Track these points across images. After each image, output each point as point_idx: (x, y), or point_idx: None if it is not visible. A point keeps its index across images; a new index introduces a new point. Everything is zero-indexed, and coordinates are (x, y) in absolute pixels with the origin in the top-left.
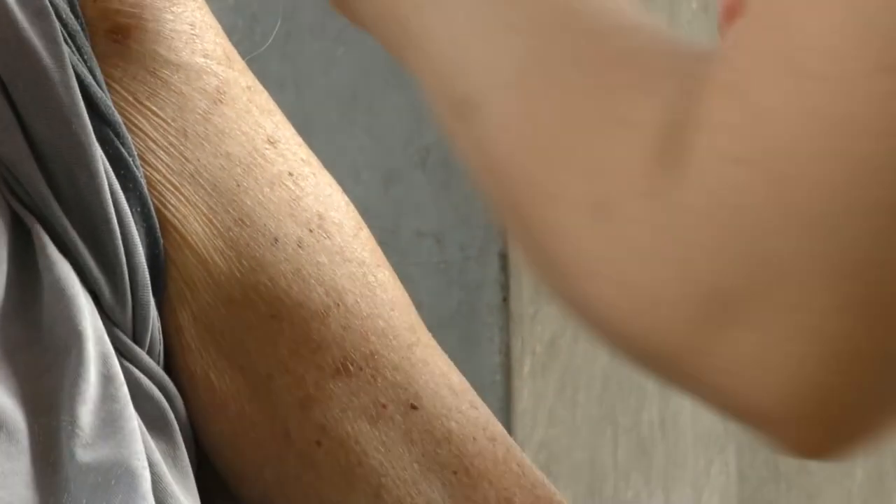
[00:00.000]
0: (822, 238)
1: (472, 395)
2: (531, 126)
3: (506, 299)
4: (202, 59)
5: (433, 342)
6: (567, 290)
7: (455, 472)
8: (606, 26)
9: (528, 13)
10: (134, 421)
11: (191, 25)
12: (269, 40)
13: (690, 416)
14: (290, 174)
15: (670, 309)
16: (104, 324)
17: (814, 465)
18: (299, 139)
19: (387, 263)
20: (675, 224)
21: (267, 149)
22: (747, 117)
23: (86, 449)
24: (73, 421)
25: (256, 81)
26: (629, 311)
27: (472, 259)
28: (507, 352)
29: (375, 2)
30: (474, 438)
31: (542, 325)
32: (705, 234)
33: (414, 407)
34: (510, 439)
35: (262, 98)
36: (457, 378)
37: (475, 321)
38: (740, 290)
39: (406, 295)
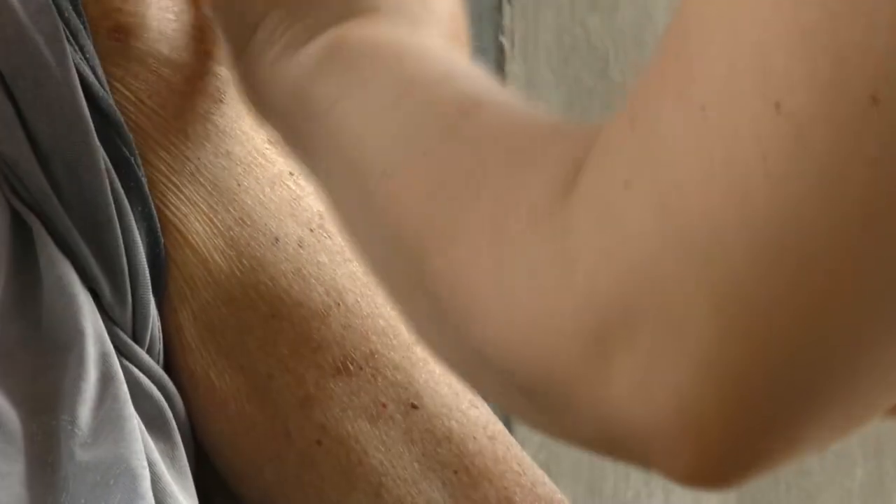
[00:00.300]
0: (703, 265)
1: (472, 393)
2: (441, 184)
3: None
4: (204, 59)
5: None
6: (459, 337)
7: (455, 472)
8: (512, 108)
9: (437, 99)
10: (133, 420)
11: (193, 27)
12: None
13: None
14: (291, 173)
15: (561, 335)
16: (104, 322)
17: (814, 465)
18: None
19: None
20: (567, 249)
21: (268, 148)
22: (640, 143)
23: (85, 448)
24: (73, 420)
25: None
26: (522, 341)
27: None
28: None
29: (286, 98)
30: (474, 437)
31: None
32: (592, 258)
33: (414, 406)
34: (510, 438)
35: None
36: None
37: None
38: (627, 315)
39: None
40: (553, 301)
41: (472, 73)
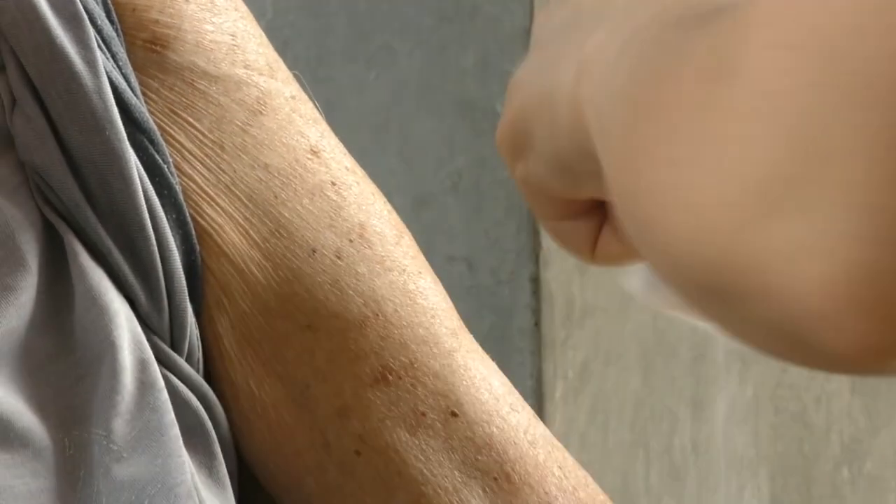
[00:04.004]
0: (869, 109)
1: (513, 397)
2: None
3: (537, 324)
4: (243, 70)
5: (475, 345)
6: (646, 237)
7: (496, 479)
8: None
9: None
10: (174, 430)
11: (232, 36)
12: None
13: (722, 439)
14: (333, 184)
15: (724, 211)
16: (143, 331)
17: (847, 491)
18: (343, 148)
19: (429, 269)
20: (726, 123)
21: (309, 158)
22: (794, 4)
23: (120, 463)
24: (107, 434)
25: (301, 91)
26: (689, 227)
27: (503, 283)
28: (538, 376)
29: None
30: (515, 442)
31: (573, 349)
32: (754, 126)
33: (454, 414)
34: (553, 440)
35: (307, 107)
36: (498, 381)
37: (507, 346)
38: (788, 176)
39: (448, 299)
40: (714, 178)
41: None
